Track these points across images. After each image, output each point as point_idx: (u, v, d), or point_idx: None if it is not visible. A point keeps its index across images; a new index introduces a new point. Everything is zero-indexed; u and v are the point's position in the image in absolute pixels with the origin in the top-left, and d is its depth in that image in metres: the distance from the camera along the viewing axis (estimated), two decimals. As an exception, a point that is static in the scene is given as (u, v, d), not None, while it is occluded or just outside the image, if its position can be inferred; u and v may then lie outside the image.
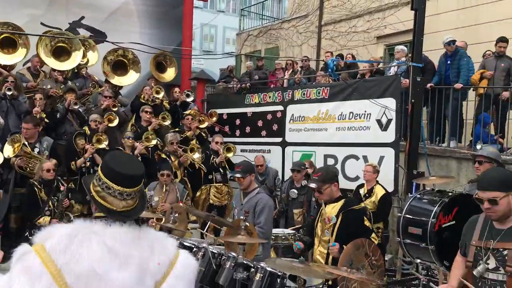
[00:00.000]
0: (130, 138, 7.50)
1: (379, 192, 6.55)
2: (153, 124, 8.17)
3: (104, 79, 9.53)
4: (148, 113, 8.31)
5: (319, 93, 8.80)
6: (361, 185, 6.89)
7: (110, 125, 7.84)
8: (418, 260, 4.87)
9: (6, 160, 6.57)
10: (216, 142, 8.20)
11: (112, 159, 2.01)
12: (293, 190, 7.23)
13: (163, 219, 5.64)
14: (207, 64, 21.25)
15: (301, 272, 3.04)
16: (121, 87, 9.70)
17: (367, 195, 6.63)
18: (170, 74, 10.19)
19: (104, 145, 7.36)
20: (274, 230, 6.02)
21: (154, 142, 7.79)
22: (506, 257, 2.60)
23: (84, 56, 9.39)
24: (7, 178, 6.62)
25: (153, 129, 8.12)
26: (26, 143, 6.70)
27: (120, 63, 9.52)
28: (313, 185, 4.00)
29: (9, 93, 7.44)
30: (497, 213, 2.68)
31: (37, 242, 1.79)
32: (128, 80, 9.61)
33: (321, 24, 14.89)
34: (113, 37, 10.12)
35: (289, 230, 6.31)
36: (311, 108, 8.89)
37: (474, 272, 2.72)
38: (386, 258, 7.62)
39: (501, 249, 2.64)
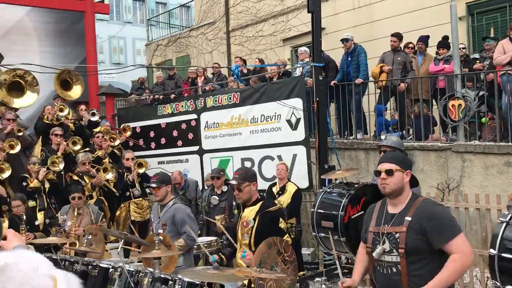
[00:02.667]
0: (36, 164, 7.15)
1: (291, 189, 6.78)
2: (60, 149, 7.85)
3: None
4: (58, 136, 7.98)
5: (230, 98, 8.92)
6: (273, 184, 7.09)
7: (12, 151, 7.42)
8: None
9: None
10: (127, 159, 8.01)
11: None
12: (214, 196, 7.28)
13: (77, 243, 5.44)
14: (118, 77, 20.73)
15: (216, 278, 3.09)
16: (17, 109, 9.16)
17: (280, 192, 6.83)
18: (76, 91, 9.81)
19: (7, 174, 6.95)
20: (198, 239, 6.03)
21: (61, 166, 7.49)
22: (398, 240, 2.82)
23: None
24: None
25: (62, 153, 7.81)
26: None
27: (16, 84, 9.00)
28: (233, 182, 4.06)
29: None
30: (391, 185, 2.90)
31: None
32: (24, 101, 9.07)
33: (229, 30, 15.08)
34: (9, 57, 9.59)
35: (210, 238, 6.35)
36: (224, 114, 9.00)
37: (374, 254, 2.92)
38: (308, 252, 7.92)
39: (394, 233, 2.86)
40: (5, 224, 6.00)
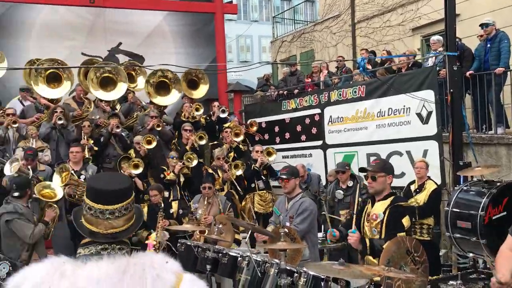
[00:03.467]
0: (174, 158, 7.71)
1: (430, 187, 6.39)
2: (189, 143, 8.37)
3: (149, 101, 9.87)
4: (188, 131, 8.52)
5: (355, 92, 8.72)
6: (412, 182, 6.74)
7: (148, 146, 8.05)
8: (471, 254, 4.73)
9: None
10: (257, 151, 8.30)
11: (93, 178, 1.94)
12: (339, 191, 7.18)
13: (207, 231, 5.76)
14: (245, 75, 21.49)
15: (343, 274, 3.04)
16: (165, 107, 10.01)
17: (417, 190, 6.48)
18: (201, 91, 10.40)
19: (140, 170, 7.58)
20: (321, 234, 6.02)
21: (195, 162, 7.97)
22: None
23: (134, 80, 9.79)
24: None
25: (191, 147, 8.32)
26: (73, 171, 6.98)
27: (163, 84, 9.83)
28: (369, 169, 3.98)
29: (60, 122, 7.86)
30: None
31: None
32: (168, 99, 9.90)
33: (354, 22, 14.74)
34: (150, 59, 10.50)
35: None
36: (349, 108, 8.83)
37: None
38: (440, 254, 7.42)
39: None
40: (145, 209, 6.64)
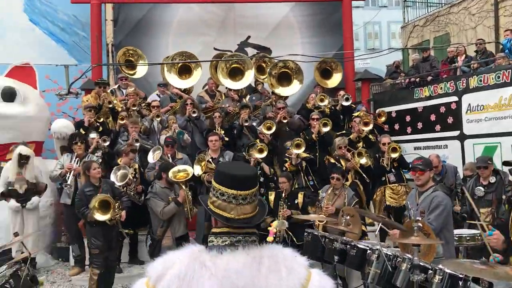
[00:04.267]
0: (291, 148, 7.74)
1: None
2: (315, 131, 8.31)
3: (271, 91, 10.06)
4: (315, 120, 8.49)
5: (498, 77, 7.92)
6: None
7: (268, 132, 8.15)
8: None
9: (197, 177, 7.36)
10: (383, 144, 7.95)
11: (223, 165, 2.01)
12: (479, 187, 6.60)
13: (326, 221, 5.70)
14: (373, 63, 20.78)
15: (485, 274, 2.79)
16: (286, 97, 10.12)
17: None
18: (335, 79, 10.27)
19: (264, 154, 7.72)
20: (458, 231, 5.61)
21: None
22: None
23: (264, 72, 10.10)
24: (200, 191, 7.42)
25: (317, 134, 8.27)
26: (211, 159, 7.41)
27: (284, 75, 9.94)
28: None
29: (194, 115, 8.40)
30: None
31: (151, 278, 1.70)
32: (289, 90, 9.95)
33: (497, 1, 13.36)
34: (277, 50, 10.68)
35: (474, 231, 5.78)
36: (490, 95, 8.05)
37: None
38: None
39: None
40: (271, 197, 6.78)
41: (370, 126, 8.70)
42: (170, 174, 6.20)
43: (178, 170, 6.36)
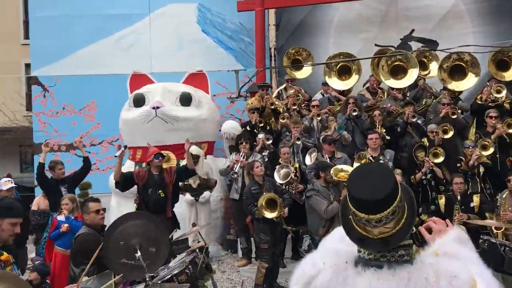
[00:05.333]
0: (470, 147, 7.11)
1: None
2: (496, 133, 7.48)
3: (442, 87, 9.40)
4: (493, 118, 7.68)
5: None
6: None
7: (445, 136, 7.63)
8: None
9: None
10: None
11: (352, 181, 1.69)
12: None
13: (504, 227, 5.11)
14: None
15: None
16: (460, 93, 9.36)
17: None
18: (512, 71, 9.18)
19: (441, 159, 7.22)
20: None
21: (491, 150, 7.06)
22: None
23: (426, 67, 9.58)
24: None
25: (495, 137, 7.46)
26: (371, 158, 7.26)
27: (457, 68, 9.22)
28: None
29: (354, 113, 8.30)
30: None
31: (299, 282, 1.66)
32: (465, 84, 9.19)
33: None
34: (444, 43, 9.96)
35: None
36: None
37: None
38: None
39: None
40: (442, 201, 6.35)
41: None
42: (332, 172, 6.21)
43: (341, 169, 6.35)
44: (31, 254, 7.86)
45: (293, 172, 7.34)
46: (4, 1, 19.59)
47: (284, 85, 9.99)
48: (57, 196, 6.71)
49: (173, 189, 6.77)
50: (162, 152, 7.07)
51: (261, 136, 8.15)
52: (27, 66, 18.22)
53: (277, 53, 11.43)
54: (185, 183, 8.12)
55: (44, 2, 11.81)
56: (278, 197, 6.34)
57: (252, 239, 7.40)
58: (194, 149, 8.16)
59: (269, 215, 6.16)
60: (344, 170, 6.38)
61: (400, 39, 11.06)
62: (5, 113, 17.82)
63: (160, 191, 6.60)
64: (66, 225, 6.02)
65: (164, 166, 7.05)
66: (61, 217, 6.25)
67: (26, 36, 18.80)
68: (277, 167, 7.25)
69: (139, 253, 3.81)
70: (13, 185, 7.69)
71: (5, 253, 2.91)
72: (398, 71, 9.23)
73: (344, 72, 9.68)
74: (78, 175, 7.51)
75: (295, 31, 11.60)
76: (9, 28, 19.50)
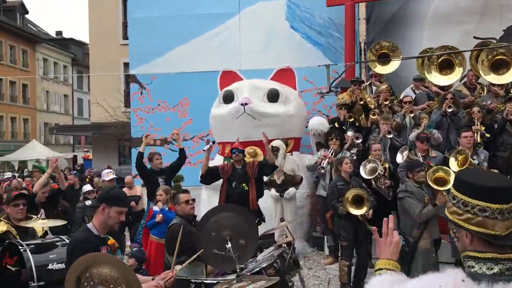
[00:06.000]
0: None
1: None
2: None
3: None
4: None
5: None
6: None
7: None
8: None
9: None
10: None
11: (468, 175, 1.62)
12: None
13: None
14: None
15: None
16: None
17: None
18: None
19: None
20: None
21: None
22: None
23: None
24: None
25: None
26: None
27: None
28: None
29: (449, 110, 7.85)
30: None
31: None
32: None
33: None
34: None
35: None
36: None
37: None
38: None
39: None
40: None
41: None
42: (430, 173, 5.90)
43: (437, 169, 6.00)
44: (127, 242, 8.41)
45: (381, 170, 7.09)
46: (104, 5, 21.08)
47: (370, 81, 9.71)
48: (155, 186, 7.09)
49: (256, 182, 6.89)
50: (249, 147, 7.21)
51: (350, 133, 7.99)
52: (125, 65, 19.48)
53: (367, 47, 11.15)
54: (270, 178, 8.20)
55: (141, 4, 12.52)
56: (366, 194, 6.17)
57: (338, 237, 7.29)
58: (276, 142, 8.25)
59: (354, 211, 6.01)
60: (440, 169, 6.03)
61: (503, 30, 10.27)
62: (106, 109, 19.15)
63: (243, 184, 6.78)
64: (160, 215, 6.36)
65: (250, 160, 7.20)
66: (156, 208, 6.61)
67: (125, 37, 20.11)
68: (364, 161, 7.05)
69: (229, 245, 3.91)
70: (114, 176, 8.28)
71: (111, 239, 3.13)
72: (500, 66, 8.54)
73: (445, 67, 9.11)
74: (175, 166, 7.87)
75: (387, 25, 11.23)
76: (109, 29, 20.95)
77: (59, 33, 43.33)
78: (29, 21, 38.78)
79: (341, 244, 6.33)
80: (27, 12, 36.94)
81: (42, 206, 6.35)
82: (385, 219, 1.97)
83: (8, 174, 16.73)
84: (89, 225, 3.16)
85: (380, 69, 9.82)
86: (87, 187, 8.01)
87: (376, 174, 6.87)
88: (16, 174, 17.91)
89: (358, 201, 6.09)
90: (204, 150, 6.99)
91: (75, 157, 32.80)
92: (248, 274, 4.23)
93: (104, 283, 2.24)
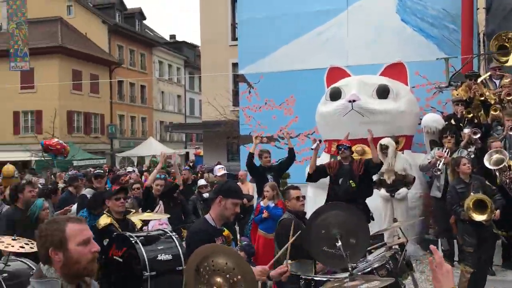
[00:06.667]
0: None
1: None
2: None
3: None
4: None
5: None
6: None
7: None
8: None
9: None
10: None
11: None
12: None
13: None
14: None
15: None
16: None
17: None
18: None
19: None
20: None
21: None
22: None
23: None
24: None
25: None
26: None
27: None
28: None
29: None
30: None
31: None
32: None
33: None
34: None
35: None
36: None
37: None
38: None
39: None
40: None
41: None
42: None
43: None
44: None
45: (507, 165, 6.50)
46: (214, 7, 21.97)
47: (489, 73, 8.93)
48: (263, 182, 7.26)
49: (363, 180, 6.75)
50: (357, 145, 7.09)
51: (467, 130, 7.46)
52: (234, 65, 20.12)
53: (487, 38, 10.30)
54: (380, 178, 7.96)
55: (249, 6, 12.82)
56: (488, 198, 5.71)
57: (455, 241, 6.85)
58: (385, 140, 7.98)
59: (477, 217, 5.60)
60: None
61: None
62: (216, 108, 19.97)
63: (351, 181, 6.67)
64: (266, 212, 6.52)
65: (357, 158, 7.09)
66: (263, 203, 6.77)
67: (233, 38, 20.79)
68: (490, 151, 6.50)
69: (339, 243, 3.85)
70: (225, 171, 8.64)
71: (226, 230, 3.26)
72: None
73: None
74: (284, 165, 7.99)
75: (509, 13, 10.27)
76: (218, 32, 21.78)
77: (172, 36, 46.12)
78: (146, 26, 41.73)
79: (466, 250, 5.93)
80: (144, 18, 39.78)
81: (160, 199, 6.82)
82: (432, 247, 2.01)
83: (130, 169, 18.10)
84: (207, 216, 3.32)
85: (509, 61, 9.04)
86: (201, 181, 8.47)
87: (502, 166, 6.32)
88: (136, 169, 19.32)
89: (481, 205, 5.67)
90: (311, 149, 6.99)
91: (187, 154, 34.67)
92: (359, 273, 4.14)
93: (221, 273, 2.33)
